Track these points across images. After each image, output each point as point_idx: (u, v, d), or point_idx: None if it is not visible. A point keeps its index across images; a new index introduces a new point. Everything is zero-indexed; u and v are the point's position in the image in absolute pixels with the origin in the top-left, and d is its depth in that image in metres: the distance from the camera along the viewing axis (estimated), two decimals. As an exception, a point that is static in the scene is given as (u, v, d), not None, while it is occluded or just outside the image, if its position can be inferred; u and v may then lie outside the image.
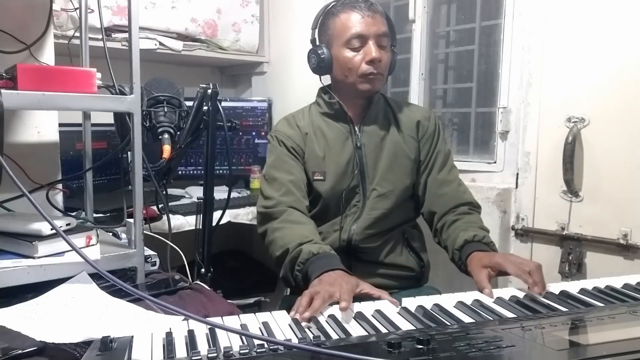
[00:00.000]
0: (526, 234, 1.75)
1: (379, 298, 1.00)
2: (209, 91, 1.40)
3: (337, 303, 0.92)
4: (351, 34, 1.31)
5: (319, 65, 1.39)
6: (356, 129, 1.40)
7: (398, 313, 0.91)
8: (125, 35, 1.67)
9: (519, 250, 1.77)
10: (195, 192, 2.18)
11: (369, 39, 1.31)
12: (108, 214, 1.70)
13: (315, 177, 1.39)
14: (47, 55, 1.39)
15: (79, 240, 1.12)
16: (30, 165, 1.32)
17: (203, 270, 1.44)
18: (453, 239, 1.28)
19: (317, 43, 1.43)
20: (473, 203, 1.38)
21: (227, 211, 1.66)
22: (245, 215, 2.00)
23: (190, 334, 0.78)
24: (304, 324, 0.85)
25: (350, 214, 1.39)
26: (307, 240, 1.20)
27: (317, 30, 1.44)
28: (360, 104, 1.41)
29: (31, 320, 0.87)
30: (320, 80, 1.46)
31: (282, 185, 1.34)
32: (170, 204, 1.87)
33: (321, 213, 1.40)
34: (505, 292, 1.00)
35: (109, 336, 0.73)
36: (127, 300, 0.97)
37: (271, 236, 1.29)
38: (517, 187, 1.77)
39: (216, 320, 0.84)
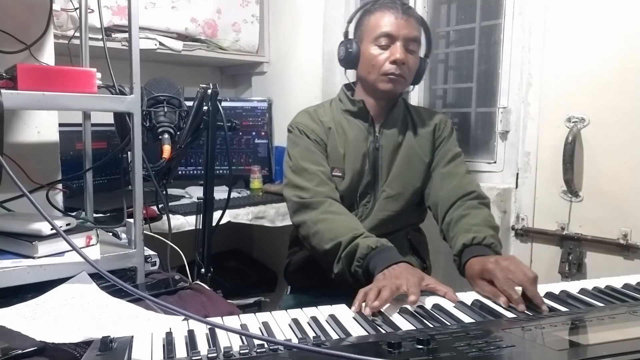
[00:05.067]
0: (526, 234, 1.75)
1: (443, 296, 0.98)
2: (209, 91, 1.40)
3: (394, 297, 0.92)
4: (381, 31, 1.33)
5: (346, 58, 1.40)
6: (376, 129, 1.41)
7: (398, 313, 0.91)
8: (125, 35, 1.67)
9: (519, 250, 1.77)
10: (195, 192, 2.18)
11: (397, 40, 1.32)
12: (108, 214, 1.69)
13: (334, 174, 1.38)
14: (47, 55, 1.39)
15: (79, 240, 1.12)
16: (30, 165, 1.32)
17: (203, 270, 1.44)
18: (454, 243, 1.24)
19: (349, 37, 1.43)
20: (477, 192, 1.33)
21: (227, 211, 1.66)
22: (245, 215, 2.00)
23: (190, 334, 0.78)
24: (302, 320, 0.85)
25: (359, 212, 1.40)
26: (359, 233, 1.17)
27: (351, 25, 1.45)
28: (382, 105, 1.42)
29: (31, 320, 0.87)
30: (345, 74, 1.47)
31: (315, 176, 1.32)
32: (170, 204, 1.87)
33: None
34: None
35: (109, 336, 0.73)
36: (127, 300, 0.97)
37: (314, 228, 1.25)
38: (517, 187, 1.77)
39: (216, 320, 0.84)
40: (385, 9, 1.34)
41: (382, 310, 0.90)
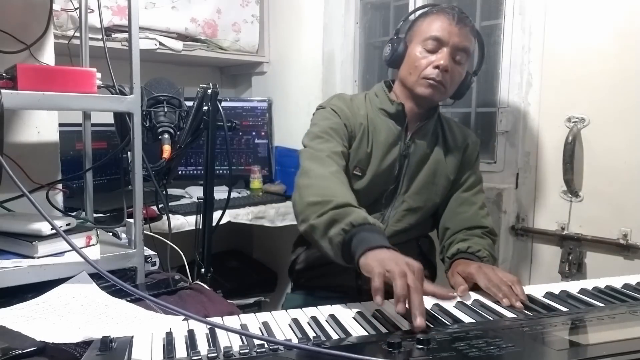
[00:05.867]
0: (526, 234, 1.75)
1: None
2: (209, 91, 1.40)
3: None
4: (430, 35, 1.28)
5: (392, 56, 1.35)
6: (408, 136, 1.36)
7: (398, 313, 0.91)
8: (125, 35, 1.67)
9: (519, 250, 1.77)
10: (195, 192, 2.18)
11: (446, 46, 1.26)
12: (108, 214, 1.69)
13: (354, 172, 1.33)
14: (47, 55, 1.39)
15: (79, 240, 1.13)
16: (30, 165, 1.32)
17: (203, 270, 1.44)
18: (449, 251, 1.26)
19: (399, 35, 1.38)
20: (489, 229, 1.32)
21: (227, 211, 1.66)
22: (245, 215, 2.00)
23: (190, 334, 0.78)
24: (302, 320, 0.84)
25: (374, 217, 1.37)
26: (355, 204, 1.05)
27: (405, 24, 1.40)
28: (418, 112, 1.36)
29: (31, 320, 0.87)
30: (388, 73, 1.43)
31: (336, 145, 1.24)
32: (170, 204, 1.87)
33: None
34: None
35: (109, 336, 0.73)
36: (127, 300, 0.97)
37: (312, 180, 1.14)
38: (517, 187, 1.77)
39: (216, 320, 0.84)
40: (441, 13, 1.29)
41: (382, 310, 0.90)
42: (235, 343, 0.74)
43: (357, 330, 0.82)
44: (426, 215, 1.39)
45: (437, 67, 1.26)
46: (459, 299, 0.97)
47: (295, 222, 1.21)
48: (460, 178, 1.39)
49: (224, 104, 1.47)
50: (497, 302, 0.95)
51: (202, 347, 0.74)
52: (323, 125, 1.30)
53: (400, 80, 1.37)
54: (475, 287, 1.03)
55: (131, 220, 1.17)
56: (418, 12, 1.40)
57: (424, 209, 1.37)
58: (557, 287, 1.01)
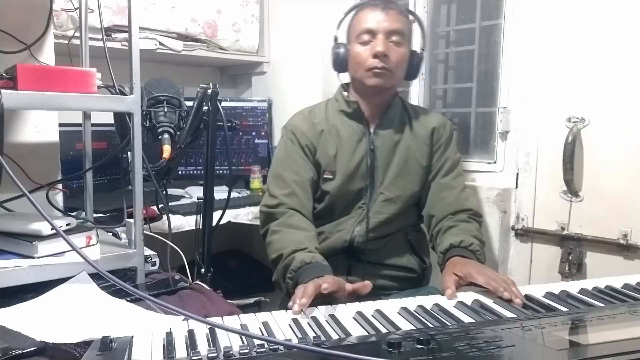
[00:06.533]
0: (526, 234, 1.75)
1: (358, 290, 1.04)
2: (209, 91, 1.40)
3: (331, 299, 0.94)
4: (361, 28, 1.34)
5: (336, 61, 1.41)
6: (371, 130, 1.40)
7: (398, 313, 0.91)
8: (125, 35, 1.66)
9: (519, 250, 1.77)
10: (195, 192, 2.18)
11: (378, 34, 1.32)
12: (108, 214, 1.69)
13: (324, 175, 1.39)
14: (47, 55, 1.39)
15: (79, 240, 1.12)
16: (30, 165, 1.31)
17: (203, 270, 1.44)
18: (441, 245, 1.27)
19: (338, 41, 1.44)
20: (473, 211, 1.36)
21: (227, 211, 1.66)
22: (245, 215, 2.00)
23: (190, 334, 0.78)
24: (302, 320, 0.85)
25: (355, 215, 1.39)
26: (301, 247, 1.19)
27: (340, 29, 1.46)
28: (377, 105, 1.41)
29: (31, 320, 0.87)
30: (338, 78, 1.47)
31: (287, 186, 1.34)
32: (170, 204, 1.87)
33: (326, 212, 1.40)
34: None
35: (109, 336, 0.73)
36: (127, 300, 0.97)
37: (269, 238, 1.29)
38: (517, 187, 1.77)
39: (216, 320, 0.84)
40: (365, 7, 1.36)
41: (382, 310, 0.90)
42: (235, 343, 0.74)
43: (357, 330, 0.83)
44: (407, 205, 1.41)
45: (375, 55, 1.31)
46: (459, 298, 0.97)
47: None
48: (436, 164, 1.42)
49: (224, 104, 1.47)
50: (496, 302, 0.95)
51: (202, 347, 0.74)
52: (279, 158, 1.41)
53: (352, 80, 1.43)
54: (471, 284, 1.06)
55: (131, 220, 1.17)
56: (349, 14, 1.44)
57: (402, 198, 1.39)
58: (557, 287, 1.01)
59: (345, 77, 1.46)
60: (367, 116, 1.40)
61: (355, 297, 1.04)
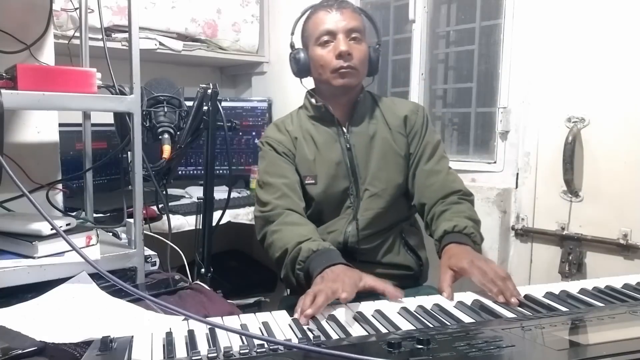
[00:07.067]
0: (526, 234, 1.75)
1: (382, 293, 0.99)
2: (209, 91, 1.40)
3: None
4: (320, 31, 1.34)
5: (298, 67, 1.41)
6: (344, 130, 1.40)
7: (398, 313, 0.91)
8: (125, 35, 1.67)
9: (519, 250, 1.77)
10: (195, 192, 2.18)
11: (338, 34, 1.32)
12: (108, 214, 1.69)
13: (307, 182, 1.39)
14: (47, 55, 1.39)
15: (79, 240, 1.13)
16: (30, 165, 1.32)
17: (203, 270, 1.45)
18: (436, 231, 1.27)
19: (295, 47, 1.44)
20: (463, 191, 1.35)
21: (227, 211, 1.66)
22: (245, 215, 2.00)
23: (190, 334, 0.78)
24: (305, 326, 0.84)
25: (345, 215, 1.38)
26: (305, 238, 1.18)
27: (295, 36, 1.45)
28: (345, 103, 1.41)
29: (31, 320, 0.87)
30: (302, 83, 1.47)
31: (277, 189, 1.33)
32: (170, 204, 1.87)
33: (315, 216, 1.39)
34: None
35: (109, 336, 0.73)
36: (127, 300, 0.97)
37: (270, 239, 1.28)
38: (517, 187, 1.77)
39: (216, 320, 0.84)
40: (319, 9, 1.36)
41: (382, 310, 0.90)
42: (235, 343, 0.74)
43: (357, 330, 0.82)
44: (394, 197, 1.40)
45: (339, 55, 1.31)
46: (459, 298, 0.97)
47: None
48: (416, 151, 1.41)
49: (224, 104, 1.47)
50: (496, 302, 0.95)
51: (202, 347, 0.74)
52: (261, 169, 1.41)
53: (316, 83, 1.43)
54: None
55: (131, 220, 1.17)
56: (302, 19, 1.43)
57: (387, 191, 1.38)
58: (557, 287, 1.00)
59: (308, 83, 1.46)
60: (338, 117, 1.40)
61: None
